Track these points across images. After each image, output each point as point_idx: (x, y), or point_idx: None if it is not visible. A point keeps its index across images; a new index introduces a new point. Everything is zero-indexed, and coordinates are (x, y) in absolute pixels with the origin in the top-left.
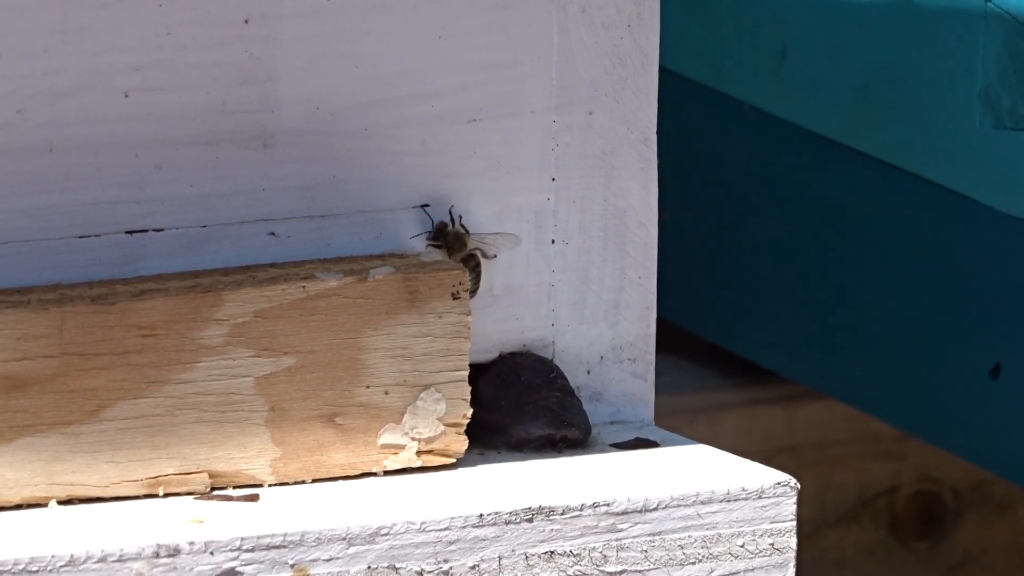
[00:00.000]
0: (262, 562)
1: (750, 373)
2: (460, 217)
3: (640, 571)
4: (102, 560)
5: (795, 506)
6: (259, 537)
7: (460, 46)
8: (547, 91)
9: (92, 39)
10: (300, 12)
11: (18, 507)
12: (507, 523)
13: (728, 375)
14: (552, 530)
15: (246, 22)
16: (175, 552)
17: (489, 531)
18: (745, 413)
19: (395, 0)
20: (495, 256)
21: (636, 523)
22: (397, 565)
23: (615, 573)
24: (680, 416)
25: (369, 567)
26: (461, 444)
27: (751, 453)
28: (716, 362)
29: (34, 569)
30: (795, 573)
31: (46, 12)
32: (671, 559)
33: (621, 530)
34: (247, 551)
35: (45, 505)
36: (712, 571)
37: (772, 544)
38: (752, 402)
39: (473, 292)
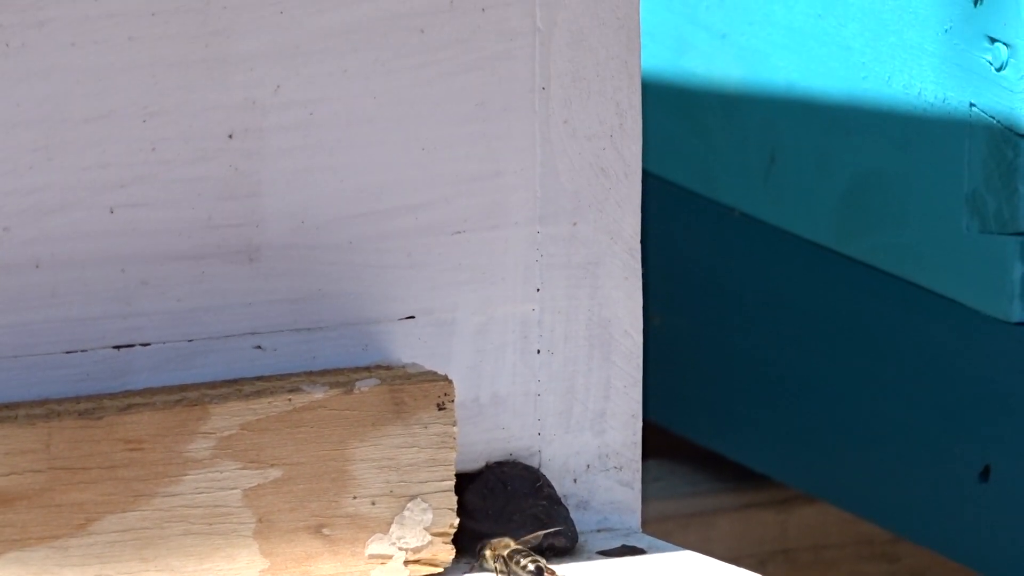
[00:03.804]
0: None
1: (743, 477)
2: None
3: None
4: None
5: None
6: None
7: (443, 158)
8: (531, 202)
9: (77, 155)
10: (283, 126)
11: None
12: None
13: (721, 480)
14: None
15: (230, 137)
16: None
17: None
18: (739, 517)
19: (377, 112)
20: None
21: None
22: None
23: None
24: (674, 521)
25: None
26: (448, 553)
27: (745, 557)
28: (709, 467)
29: None
30: None
31: (30, 129)
32: None
33: None
34: None
35: None
36: None
37: None
38: (745, 506)
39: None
